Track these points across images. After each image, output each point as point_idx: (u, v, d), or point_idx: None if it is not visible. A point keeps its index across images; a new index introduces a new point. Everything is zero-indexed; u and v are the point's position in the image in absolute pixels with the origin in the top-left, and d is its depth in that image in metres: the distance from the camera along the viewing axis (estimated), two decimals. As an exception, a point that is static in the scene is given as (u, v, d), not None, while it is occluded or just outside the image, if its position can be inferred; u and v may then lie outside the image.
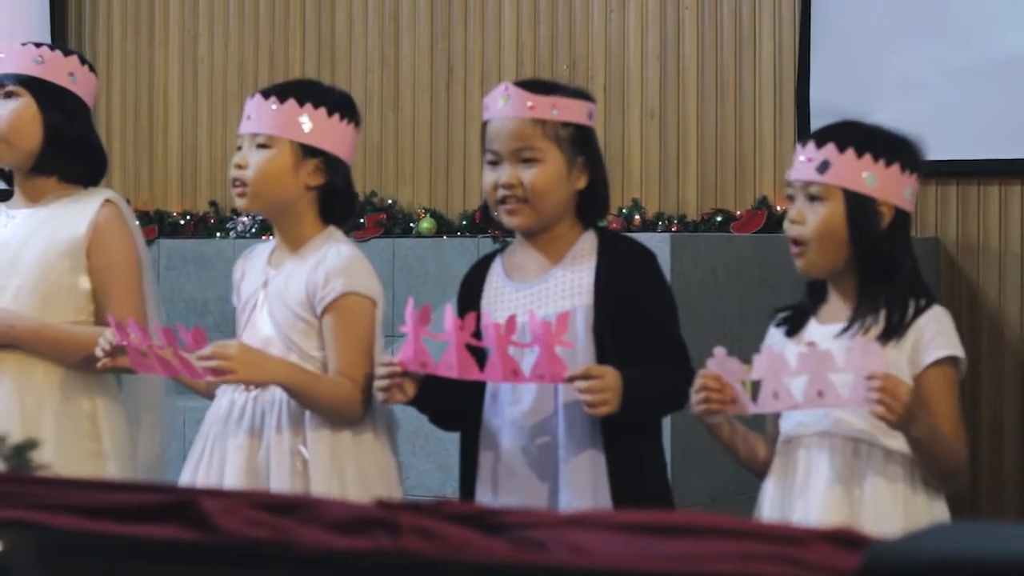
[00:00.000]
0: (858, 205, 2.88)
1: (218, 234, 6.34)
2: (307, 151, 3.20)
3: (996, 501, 5.57)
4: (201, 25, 6.84)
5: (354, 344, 3.14)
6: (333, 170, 3.22)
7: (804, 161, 2.92)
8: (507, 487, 3.07)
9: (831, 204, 2.89)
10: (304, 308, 3.16)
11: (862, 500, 2.86)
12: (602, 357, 2.99)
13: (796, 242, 2.92)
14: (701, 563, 1.23)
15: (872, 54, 5.69)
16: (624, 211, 5.84)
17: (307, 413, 3.13)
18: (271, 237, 3.52)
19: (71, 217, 3.50)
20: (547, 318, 2.93)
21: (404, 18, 6.45)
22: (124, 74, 6.98)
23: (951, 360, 2.88)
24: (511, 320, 2.93)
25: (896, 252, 2.91)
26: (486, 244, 5.08)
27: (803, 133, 5.51)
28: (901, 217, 2.93)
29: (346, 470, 3.13)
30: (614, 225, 5.66)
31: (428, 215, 6.05)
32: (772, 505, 2.94)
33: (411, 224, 6.02)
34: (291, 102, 3.20)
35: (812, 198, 2.91)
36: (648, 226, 5.81)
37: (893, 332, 2.86)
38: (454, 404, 3.10)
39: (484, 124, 3.15)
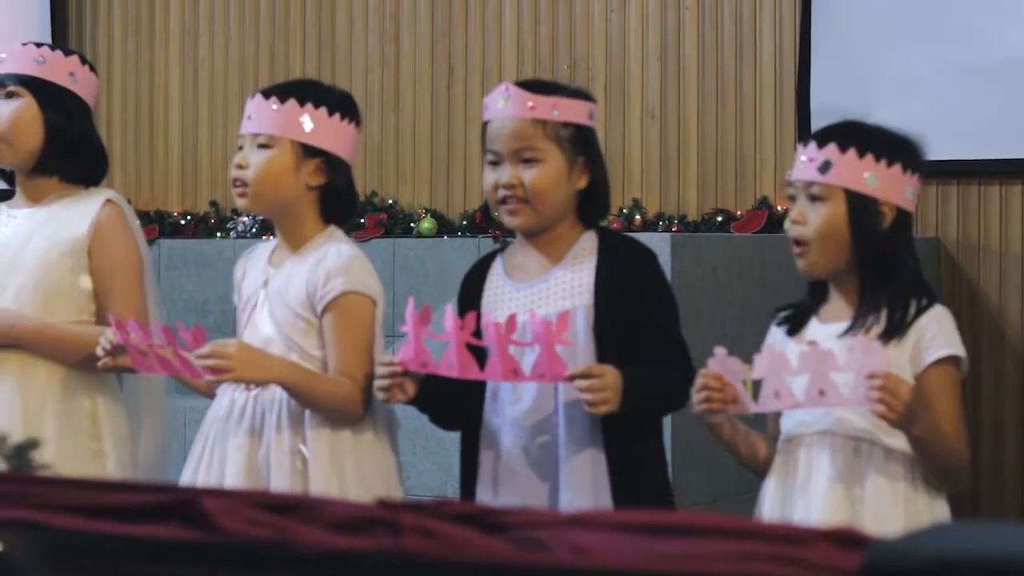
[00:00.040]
0: (860, 205, 2.89)
1: (219, 234, 6.34)
2: (308, 151, 3.20)
3: (997, 501, 5.57)
4: (201, 25, 6.84)
5: (354, 343, 3.14)
6: (334, 170, 3.22)
7: (805, 161, 2.92)
8: (507, 486, 3.07)
9: (833, 204, 2.89)
10: (304, 307, 3.16)
11: (863, 499, 2.86)
12: (602, 357, 2.99)
13: (798, 242, 2.92)
14: (702, 563, 1.23)
15: (872, 54, 5.69)
16: (625, 211, 5.84)
17: (307, 412, 3.13)
18: (272, 237, 3.53)
19: (72, 217, 3.50)
20: (547, 317, 2.93)
21: (404, 18, 6.45)
22: (125, 74, 6.98)
23: (952, 359, 2.88)
24: (511, 319, 2.93)
25: (898, 252, 2.92)
26: (487, 244, 5.08)
27: (804, 133, 5.51)
28: (902, 217, 2.93)
29: (346, 469, 3.13)
30: (615, 225, 5.66)
31: (429, 215, 6.05)
32: (773, 504, 2.94)
33: (412, 224, 6.02)
34: (292, 102, 3.20)
35: (814, 198, 2.91)
36: (649, 226, 5.81)
37: (894, 331, 2.87)
38: (454, 404, 3.10)
39: (484, 124, 3.15)
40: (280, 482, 3.11)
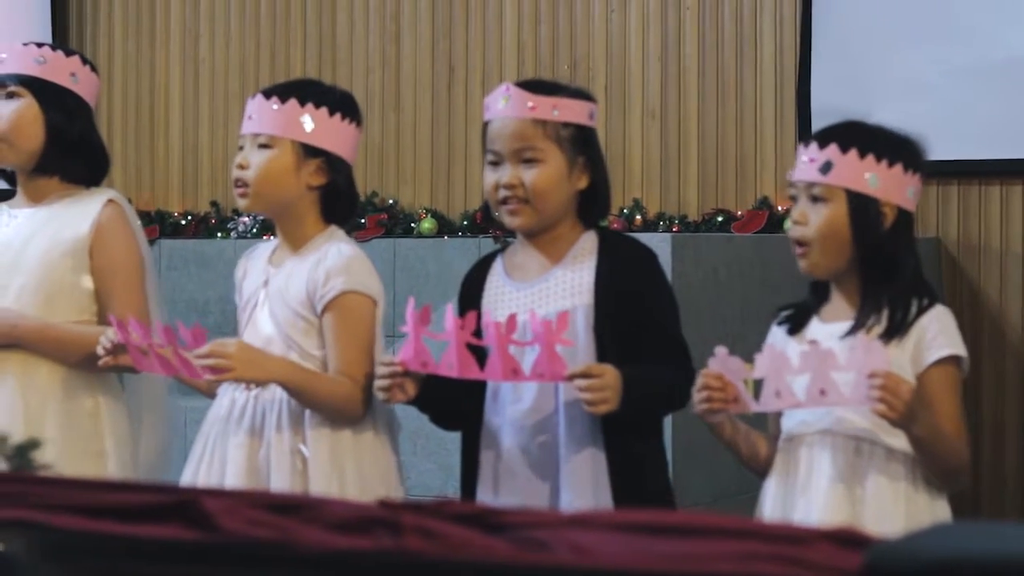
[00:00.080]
0: (861, 206, 2.89)
1: (219, 234, 6.34)
2: (309, 151, 3.20)
3: (997, 501, 5.57)
4: (202, 25, 6.84)
5: (354, 343, 3.14)
6: (335, 170, 3.22)
7: (807, 162, 2.92)
8: (508, 486, 3.07)
9: (834, 205, 2.89)
10: (304, 307, 3.16)
11: (864, 499, 2.86)
12: (602, 356, 2.99)
13: (799, 243, 2.92)
14: (702, 563, 1.23)
15: (873, 54, 5.69)
16: (625, 211, 5.84)
17: (307, 412, 3.13)
18: (272, 237, 3.52)
19: (74, 217, 3.50)
20: (548, 317, 2.93)
21: (405, 18, 6.45)
22: (125, 74, 6.98)
23: (953, 359, 2.88)
24: (511, 319, 2.93)
25: (899, 252, 2.92)
26: (487, 244, 5.08)
27: (804, 133, 5.51)
28: (904, 217, 2.93)
29: (346, 469, 3.13)
30: (615, 225, 5.66)
31: (429, 215, 6.05)
32: (774, 504, 2.94)
33: (412, 224, 6.02)
34: (292, 102, 3.20)
35: (815, 199, 2.91)
36: (649, 226, 5.81)
37: (896, 331, 2.87)
38: (455, 404, 3.11)
39: (485, 124, 3.15)
40: (280, 482, 3.11)
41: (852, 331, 2.88)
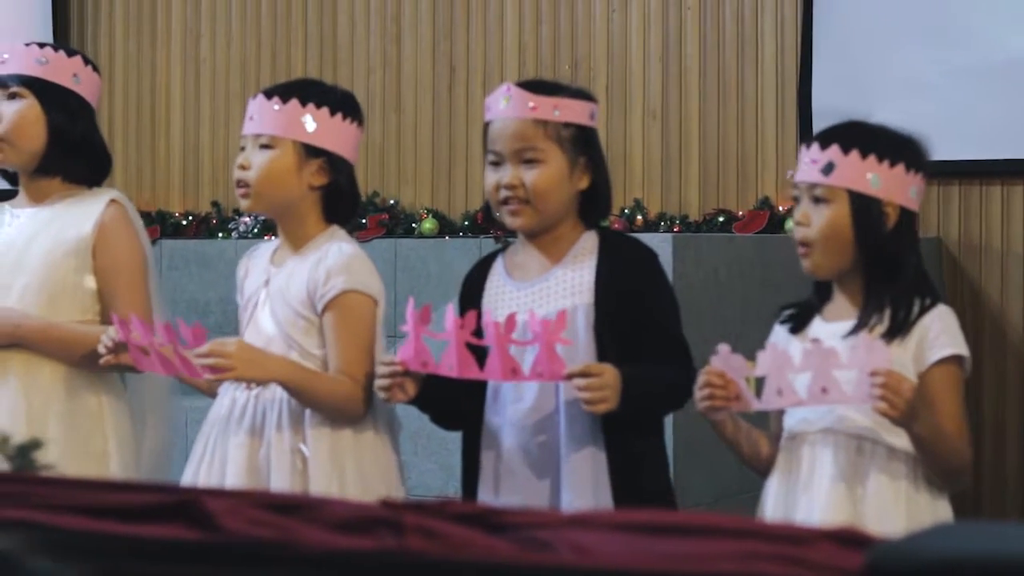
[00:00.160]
0: (863, 206, 2.89)
1: (220, 234, 6.34)
2: (310, 151, 3.20)
3: (998, 501, 5.57)
4: (203, 25, 6.84)
5: (354, 342, 3.14)
6: (336, 170, 3.22)
7: (809, 163, 2.93)
8: (508, 486, 3.07)
9: (836, 206, 2.90)
10: (305, 306, 3.16)
11: (865, 498, 2.87)
12: (603, 356, 2.99)
13: (802, 243, 2.92)
14: (704, 563, 1.23)
15: (874, 55, 5.69)
16: (626, 211, 5.84)
17: (307, 412, 3.13)
18: (273, 237, 3.52)
19: (76, 217, 3.50)
20: (548, 317, 2.93)
21: (406, 19, 6.45)
22: (126, 74, 6.98)
23: (955, 359, 2.88)
24: (511, 318, 2.93)
25: (902, 252, 2.92)
26: (488, 244, 5.08)
27: (805, 134, 5.51)
28: (906, 217, 2.93)
29: (346, 468, 3.13)
30: (616, 225, 5.66)
31: (430, 215, 6.06)
32: (775, 502, 2.95)
33: (413, 224, 6.02)
34: (294, 102, 3.20)
35: (817, 200, 2.91)
36: (650, 226, 5.81)
37: (898, 330, 2.87)
38: (455, 403, 3.11)
39: (486, 125, 3.15)
40: (280, 481, 3.11)
41: (855, 330, 2.88)
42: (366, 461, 3.16)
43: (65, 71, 3.55)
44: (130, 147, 6.94)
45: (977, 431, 5.36)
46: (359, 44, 6.54)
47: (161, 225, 6.47)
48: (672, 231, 5.69)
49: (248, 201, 3.22)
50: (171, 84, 6.90)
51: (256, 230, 6.13)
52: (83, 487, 1.43)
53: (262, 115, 3.21)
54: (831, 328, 2.92)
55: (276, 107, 3.20)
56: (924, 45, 5.61)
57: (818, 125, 5.10)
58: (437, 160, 6.38)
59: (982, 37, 5.54)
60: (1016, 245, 5.60)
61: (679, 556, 1.25)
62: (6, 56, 3.56)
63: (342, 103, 3.25)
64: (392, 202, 6.25)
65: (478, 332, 2.94)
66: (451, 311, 2.96)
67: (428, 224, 5.96)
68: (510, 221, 3.10)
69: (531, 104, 3.07)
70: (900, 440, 2.84)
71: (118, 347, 3.18)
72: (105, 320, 3.43)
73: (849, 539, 1.27)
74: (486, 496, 3.08)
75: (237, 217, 6.30)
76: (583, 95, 3.17)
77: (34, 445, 1.52)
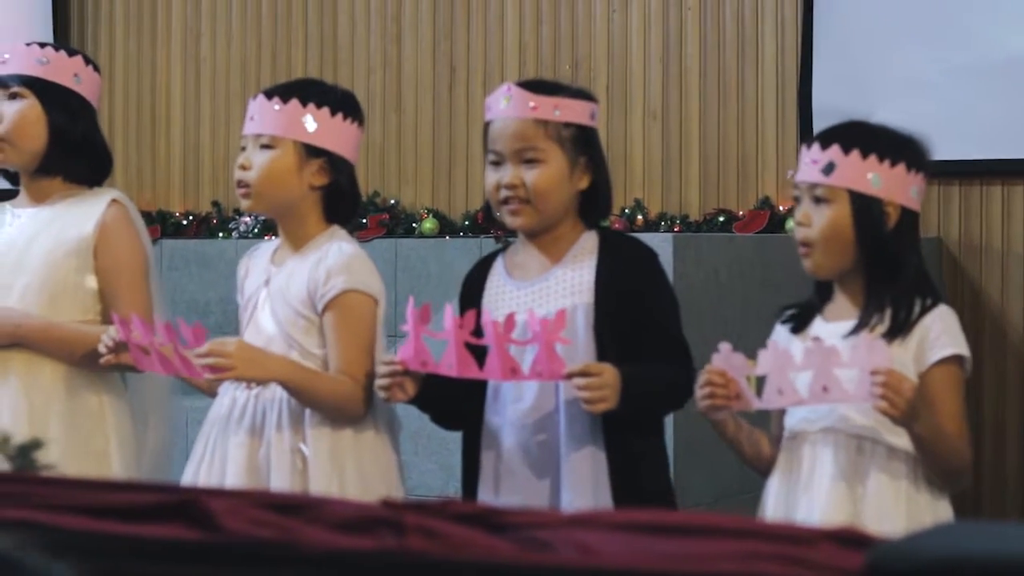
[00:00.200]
0: (864, 206, 2.89)
1: (220, 234, 6.34)
2: (311, 151, 3.20)
3: (998, 501, 5.57)
4: (203, 25, 6.84)
5: (355, 342, 3.14)
6: (337, 170, 3.22)
7: (809, 163, 2.93)
8: (508, 486, 3.07)
9: (837, 206, 2.90)
10: (305, 305, 3.16)
11: (865, 497, 2.87)
12: (602, 356, 2.99)
13: (803, 243, 2.93)
14: (705, 563, 1.23)
15: (874, 54, 5.69)
16: (627, 211, 5.84)
17: (307, 411, 3.13)
18: (274, 237, 3.52)
19: (78, 217, 3.50)
20: (547, 316, 2.93)
21: (406, 19, 6.45)
22: (126, 74, 6.98)
23: (956, 359, 2.89)
24: (510, 318, 2.93)
25: (903, 252, 2.92)
26: (488, 244, 5.08)
27: (805, 133, 5.51)
28: (907, 216, 2.93)
29: (346, 468, 3.13)
30: (616, 225, 5.66)
31: (431, 215, 6.06)
32: (776, 501, 2.95)
33: (414, 224, 6.02)
34: (294, 102, 3.20)
35: (818, 200, 2.91)
36: (650, 226, 5.81)
37: (899, 330, 2.87)
38: (455, 403, 3.11)
39: (486, 125, 3.15)
40: (280, 481, 3.11)
41: (855, 330, 2.89)
42: (366, 461, 3.16)
43: (66, 71, 3.55)
44: (130, 147, 6.94)
45: (977, 431, 5.36)
46: (359, 44, 6.54)
47: (161, 225, 6.47)
48: (672, 231, 5.69)
49: (249, 201, 3.22)
50: (171, 84, 6.90)
51: (256, 230, 6.13)
52: (84, 487, 1.43)
53: (262, 115, 3.21)
54: (832, 328, 2.92)
55: (276, 107, 3.20)
56: (924, 45, 5.61)
57: (818, 125, 5.10)
58: (437, 160, 6.38)
59: (982, 37, 5.54)
60: (1016, 245, 5.60)
61: (679, 556, 1.25)
62: (7, 56, 3.56)
63: (342, 103, 3.25)
64: (392, 202, 6.25)
65: (478, 332, 2.94)
66: (450, 311, 2.96)
67: (428, 224, 5.96)
68: (510, 221, 3.10)
69: (532, 104, 3.08)
70: (900, 440, 2.84)
71: (118, 347, 3.18)
72: (106, 320, 3.43)
73: (849, 539, 1.27)
74: (486, 496, 3.08)
75: (237, 217, 6.30)
76: (584, 95, 3.17)
77: (35, 445, 1.52)
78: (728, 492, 4.78)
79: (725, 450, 3.02)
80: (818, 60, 5.77)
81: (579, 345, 3.01)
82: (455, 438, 3.23)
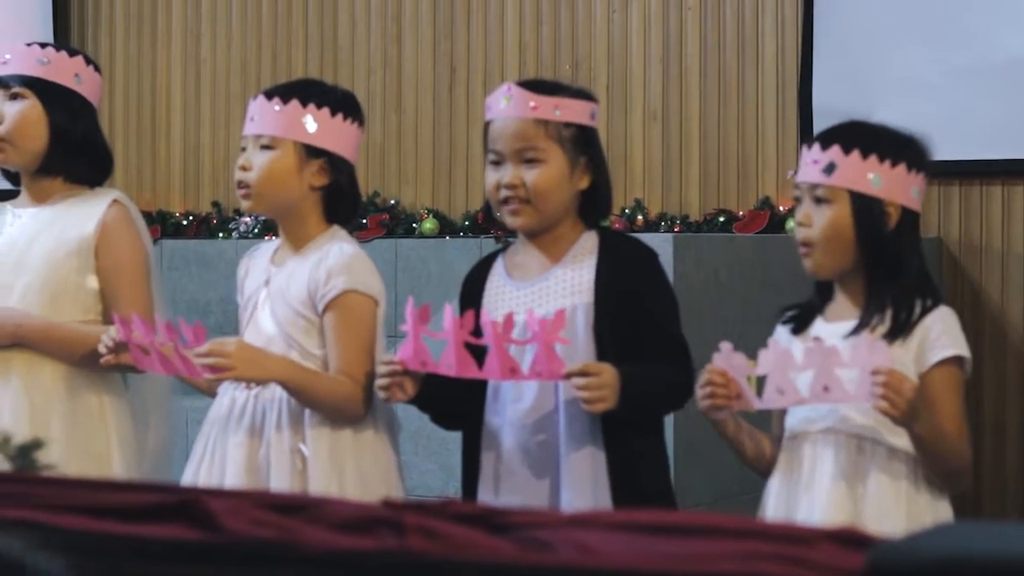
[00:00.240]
0: (864, 206, 2.89)
1: (220, 235, 6.34)
2: (311, 151, 3.21)
3: (998, 501, 5.57)
4: (204, 26, 6.85)
5: (355, 342, 3.14)
6: (337, 170, 3.22)
7: (810, 163, 2.93)
8: (508, 486, 3.07)
9: (837, 206, 2.90)
10: (305, 306, 3.17)
11: (865, 497, 2.87)
12: (602, 356, 2.99)
13: (803, 244, 2.93)
14: (705, 563, 1.24)
15: (874, 55, 5.69)
16: (627, 211, 5.84)
17: (307, 411, 3.13)
18: (274, 237, 3.52)
19: (79, 217, 3.51)
20: (547, 316, 2.93)
21: (406, 19, 6.45)
22: (127, 74, 6.98)
23: (956, 360, 2.89)
24: (509, 318, 2.93)
25: (903, 252, 2.92)
26: (488, 244, 5.08)
27: (806, 134, 5.52)
28: (908, 217, 2.93)
29: (346, 468, 3.13)
30: (617, 225, 5.66)
31: (431, 215, 6.06)
32: (777, 501, 2.95)
33: (414, 224, 6.02)
34: (294, 103, 3.20)
35: (818, 200, 2.91)
36: (651, 226, 5.81)
37: (899, 331, 2.87)
38: (455, 403, 3.11)
39: (486, 124, 3.15)
40: (280, 481, 3.11)
41: (856, 331, 2.89)
42: (366, 461, 3.16)
43: (67, 71, 3.55)
44: (131, 147, 6.94)
45: (977, 431, 5.36)
46: (359, 44, 6.54)
47: (162, 225, 6.47)
48: (673, 231, 5.69)
49: (249, 202, 3.23)
50: (171, 84, 6.90)
51: (256, 230, 6.13)
52: (84, 487, 1.43)
53: (263, 116, 3.21)
54: (833, 328, 2.92)
55: (277, 108, 3.20)
56: (924, 45, 5.61)
57: (819, 125, 5.10)
58: (438, 160, 6.38)
59: (982, 37, 5.54)
60: (1016, 245, 5.60)
61: (680, 556, 1.25)
62: (8, 56, 3.56)
63: (343, 103, 3.26)
64: (393, 202, 6.25)
65: (477, 332, 2.94)
66: (449, 311, 2.96)
67: (428, 224, 5.96)
68: (510, 221, 3.10)
69: (532, 104, 3.08)
70: (901, 440, 2.84)
71: (119, 347, 3.18)
72: (107, 320, 3.43)
73: (849, 539, 1.27)
74: (486, 496, 3.08)
75: (238, 217, 6.30)
76: (584, 95, 3.17)
77: (35, 445, 1.52)
78: (728, 492, 4.78)
79: (725, 450, 3.02)
80: (818, 60, 5.77)
81: (579, 345, 3.01)
82: (455, 438, 3.23)
